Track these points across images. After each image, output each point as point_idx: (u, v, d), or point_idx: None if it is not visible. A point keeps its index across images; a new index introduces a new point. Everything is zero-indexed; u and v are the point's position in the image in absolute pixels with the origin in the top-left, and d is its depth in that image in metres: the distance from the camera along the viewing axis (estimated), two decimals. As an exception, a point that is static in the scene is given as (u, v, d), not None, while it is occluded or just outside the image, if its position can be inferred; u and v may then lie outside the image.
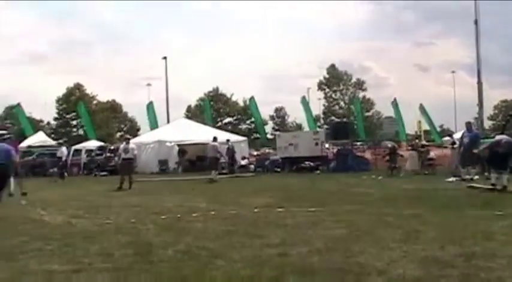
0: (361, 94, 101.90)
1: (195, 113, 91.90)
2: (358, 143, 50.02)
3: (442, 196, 16.25)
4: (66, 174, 35.07)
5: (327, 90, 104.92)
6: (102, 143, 51.50)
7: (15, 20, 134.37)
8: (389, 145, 31.83)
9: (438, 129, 62.70)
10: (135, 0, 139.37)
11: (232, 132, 54.43)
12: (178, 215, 13.04)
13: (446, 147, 31.28)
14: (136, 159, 26.10)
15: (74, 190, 22.55)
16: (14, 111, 70.39)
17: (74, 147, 48.35)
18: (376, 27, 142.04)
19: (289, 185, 23.49)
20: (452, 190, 18.15)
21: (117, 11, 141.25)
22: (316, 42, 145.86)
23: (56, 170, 36.57)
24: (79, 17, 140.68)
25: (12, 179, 15.71)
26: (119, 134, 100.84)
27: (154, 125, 55.94)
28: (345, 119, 77.65)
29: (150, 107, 58.73)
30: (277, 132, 69.77)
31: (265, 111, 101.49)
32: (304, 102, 61.16)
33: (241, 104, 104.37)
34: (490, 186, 17.16)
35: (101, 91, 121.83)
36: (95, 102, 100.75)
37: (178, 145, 40.62)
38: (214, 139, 30.53)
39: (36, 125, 79.56)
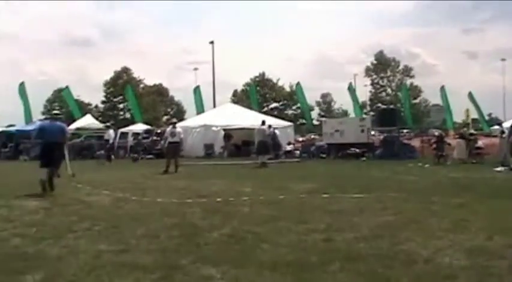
0: (408, 81, 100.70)
1: (241, 98, 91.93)
2: (405, 131, 49.49)
3: (490, 185, 16.01)
4: (113, 156, 35.44)
5: (374, 76, 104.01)
6: (148, 127, 51.87)
7: (65, 3, 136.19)
8: (437, 133, 31.47)
9: (486, 117, 61.76)
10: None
11: (278, 117, 54.30)
12: (224, 199, 13.10)
13: (495, 136, 30.83)
14: (183, 143, 26.16)
15: (120, 172, 22.78)
16: (62, 94, 71.25)
17: (120, 130, 48.86)
18: (424, 13, 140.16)
19: (335, 171, 23.39)
20: (500, 179, 17.92)
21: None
22: (363, 28, 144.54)
23: (103, 153, 37.02)
24: (128, 2, 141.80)
25: (67, 159, 15.99)
26: (165, 117, 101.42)
27: (200, 109, 56.19)
28: (391, 106, 76.93)
29: (196, 91, 58.99)
30: (323, 118, 69.53)
31: (312, 97, 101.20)
32: (351, 89, 60.87)
33: (288, 89, 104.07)
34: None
35: (148, 75, 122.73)
36: (141, 86, 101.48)
37: (224, 130, 40.71)
38: (263, 123, 30.39)
39: (84, 108, 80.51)
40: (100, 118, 79.28)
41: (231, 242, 7.92)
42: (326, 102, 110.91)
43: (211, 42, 62.05)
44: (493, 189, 14.85)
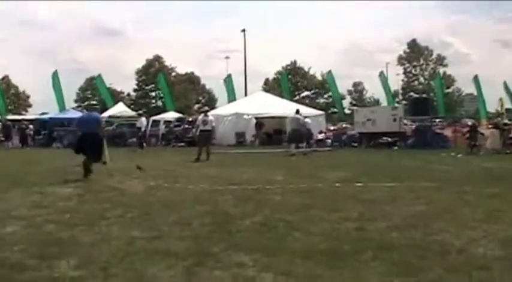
0: (441, 70, 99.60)
1: (272, 86, 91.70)
2: (437, 120, 49.06)
3: (524, 176, 15.86)
4: (145, 144, 35.63)
5: (407, 65, 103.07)
6: (180, 115, 52.06)
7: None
8: (470, 123, 31.24)
9: (520, 107, 60.93)
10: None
11: (309, 106, 54.16)
12: (256, 187, 13.11)
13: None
14: (215, 131, 26.20)
15: (152, 160, 22.89)
16: (94, 83, 71.72)
17: (152, 118, 49.11)
18: (456, 2, 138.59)
19: (367, 160, 23.31)
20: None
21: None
22: (395, 16, 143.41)
23: (135, 140, 37.26)
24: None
25: (106, 148, 16.23)
26: (196, 106, 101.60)
27: (232, 97, 56.21)
28: (424, 95, 76.27)
29: (228, 79, 59.01)
30: (355, 107, 69.20)
31: (343, 85, 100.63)
32: (383, 77, 60.41)
33: (319, 78, 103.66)
34: None
35: (179, 63, 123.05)
36: (173, 74, 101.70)
37: (256, 118, 40.71)
38: (297, 112, 30.27)
39: (116, 96, 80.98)
40: (132, 106, 79.72)
41: (263, 230, 7.93)
42: (358, 91, 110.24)
43: (243, 31, 62.11)
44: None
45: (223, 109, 46.79)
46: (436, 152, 27.85)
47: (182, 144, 39.59)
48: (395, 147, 33.42)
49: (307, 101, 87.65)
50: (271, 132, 42.30)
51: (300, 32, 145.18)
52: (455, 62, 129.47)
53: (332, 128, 50.39)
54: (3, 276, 5.59)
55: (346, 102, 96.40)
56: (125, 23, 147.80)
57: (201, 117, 25.10)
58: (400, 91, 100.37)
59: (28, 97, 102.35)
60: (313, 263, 6.05)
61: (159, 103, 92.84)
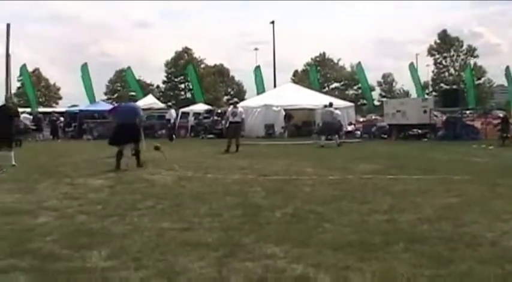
0: (472, 61, 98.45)
1: (301, 78, 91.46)
2: (468, 112, 48.62)
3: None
4: (174, 136, 35.75)
5: (437, 56, 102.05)
6: (209, 107, 52.14)
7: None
8: (501, 114, 30.90)
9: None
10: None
11: (339, 97, 53.97)
12: (286, 179, 13.15)
13: None
14: (244, 123, 26.19)
15: (182, 152, 22.96)
16: (124, 75, 72.04)
17: (181, 110, 49.25)
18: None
19: (397, 152, 23.17)
20: None
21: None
22: (424, 7, 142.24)
23: (164, 132, 37.38)
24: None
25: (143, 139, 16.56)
26: (225, 97, 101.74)
27: (261, 89, 56.17)
28: (454, 87, 75.59)
29: (257, 71, 58.96)
30: (385, 99, 68.79)
31: (373, 77, 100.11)
32: (412, 69, 59.98)
33: (349, 69, 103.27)
34: None
35: (208, 55, 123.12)
36: (202, 66, 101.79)
37: (285, 110, 40.63)
38: (330, 105, 30.24)
39: (145, 88, 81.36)
40: (161, 98, 79.92)
41: (293, 222, 7.94)
42: (387, 82, 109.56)
43: (272, 22, 61.90)
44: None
45: (253, 101, 46.70)
46: (467, 144, 27.63)
47: (211, 136, 39.68)
48: (425, 139, 33.21)
49: (336, 93, 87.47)
50: (300, 124, 42.20)
51: (329, 24, 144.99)
52: (486, 53, 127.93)
53: (361, 119, 50.23)
54: (36, 267, 5.65)
55: (375, 94, 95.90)
56: (154, 15, 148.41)
57: (230, 109, 25.13)
58: (430, 82, 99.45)
59: (58, 89, 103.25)
60: (343, 254, 6.05)
61: (188, 95, 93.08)
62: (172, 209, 9.07)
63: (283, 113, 40.51)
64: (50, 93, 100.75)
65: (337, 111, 30.81)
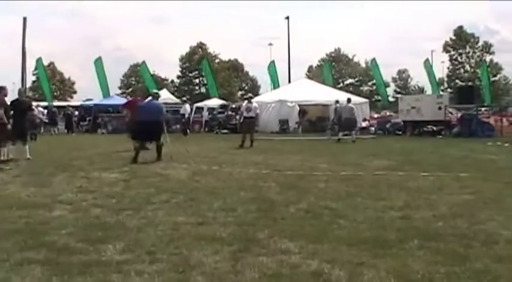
0: (488, 58, 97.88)
1: (316, 74, 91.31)
2: (483, 109, 48.38)
3: None
4: (188, 131, 35.80)
5: (453, 52, 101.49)
6: (223, 102, 52.17)
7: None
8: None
9: None
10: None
11: (353, 93, 53.83)
12: (300, 174, 13.15)
13: None
14: (259, 118, 26.17)
15: (196, 147, 22.99)
16: (138, 69, 72.10)
17: (196, 105, 49.31)
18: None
19: (411, 148, 23.09)
20: None
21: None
22: (440, 3, 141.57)
23: (178, 127, 37.46)
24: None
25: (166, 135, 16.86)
26: (240, 93, 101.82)
27: (275, 84, 56.14)
28: (470, 83, 75.25)
29: (271, 66, 58.91)
30: (399, 95, 68.57)
31: (388, 73, 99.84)
32: (427, 65, 59.71)
33: (363, 65, 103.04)
34: None
35: (223, 50, 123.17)
36: (217, 61, 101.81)
37: (299, 105, 40.59)
38: (349, 100, 30.35)
39: (160, 83, 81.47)
40: (175, 93, 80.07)
41: (307, 217, 7.94)
42: (402, 78, 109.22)
43: (287, 18, 61.74)
44: None
45: (267, 96, 46.67)
46: (482, 141, 27.47)
47: (225, 131, 39.76)
48: (440, 136, 33.08)
49: (351, 89, 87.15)
50: (314, 120, 42.12)
51: (344, 19, 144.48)
52: (502, 50, 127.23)
53: (376, 115, 50.10)
54: (51, 260, 5.67)
55: (390, 90, 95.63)
56: (169, 10, 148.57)
57: (244, 104, 25.17)
58: (445, 79, 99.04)
59: (73, 84, 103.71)
60: (358, 250, 6.04)
61: (203, 90, 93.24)
62: (186, 203, 9.09)
63: (298, 108, 40.47)
64: (65, 87, 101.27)
65: (339, 105, 30.96)
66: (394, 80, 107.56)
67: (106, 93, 50.62)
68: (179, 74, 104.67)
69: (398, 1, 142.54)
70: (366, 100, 46.68)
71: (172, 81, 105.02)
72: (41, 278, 5.12)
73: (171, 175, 13.04)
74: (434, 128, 34.39)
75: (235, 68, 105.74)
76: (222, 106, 47.67)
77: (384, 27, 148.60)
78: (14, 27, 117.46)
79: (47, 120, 38.76)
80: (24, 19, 43.94)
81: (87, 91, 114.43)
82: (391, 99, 75.89)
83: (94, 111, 45.44)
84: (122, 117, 32.09)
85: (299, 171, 13.73)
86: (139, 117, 17.36)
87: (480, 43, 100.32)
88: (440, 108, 35.22)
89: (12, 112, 15.98)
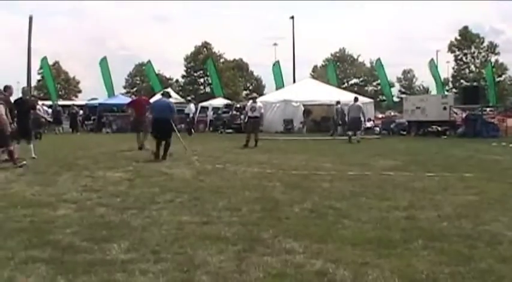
0: (493, 58, 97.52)
1: (321, 73, 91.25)
2: (488, 109, 48.29)
3: None
4: (193, 130, 35.82)
5: (458, 52, 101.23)
6: (228, 101, 52.17)
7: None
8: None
9: None
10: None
11: (358, 93, 53.74)
12: (304, 174, 13.14)
13: None
14: (263, 117, 26.16)
15: (201, 146, 22.99)
16: (143, 69, 72.10)
17: (200, 105, 49.33)
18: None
19: (416, 148, 23.07)
20: None
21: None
22: (446, 3, 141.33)
23: (183, 126, 37.49)
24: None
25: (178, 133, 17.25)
26: (244, 92, 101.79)
27: (280, 84, 56.12)
28: (475, 83, 75.12)
29: (276, 66, 58.89)
30: (404, 95, 68.44)
31: (393, 72, 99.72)
32: (432, 65, 59.60)
33: (368, 65, 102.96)
34: None
35: (227, 50, 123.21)
36: (221, 60, 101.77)
37: (304, 105, 40.58)
38: (356, 99, 30.32)
39: (164, 82, 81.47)
40: (180, 92, 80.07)
41: (312, 217, 7.95)
42: (407, 78, 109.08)
43: (292, 18, 61.71)
44: None
45: (272, 96, 46.70)
46: (487, 141, 27.44)
47: (230, 130, 39.75)
48: (445, 136, 33.04)
49: (355, 89, 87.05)
50: (319, 120, 42.09)
51: (349, 20, 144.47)
52: (508, 50, 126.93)
53: (380, 116, 50.04)
54: (55, 258, 5.69)
55: (394, 90, 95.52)
56: (173, 9, 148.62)
57: (249, 103, 25.14)
58: (450, 79, 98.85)
59: (78, 83, 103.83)
60: (363, 250, 6.05)
61: (208, 89, 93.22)
62: (191, 202, 9.10)
63: (302, 108, 40.47)
64: (70, 87, 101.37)
65: (339, 106, 30.99)
66: (398, 80, 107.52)
67: (111, 93, 50.66)
68: (184, 73, 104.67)
69: (403, 1, 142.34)
70: (371, 100, 46.67)
71: (177, 81, 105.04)
72: (45, 276, 5.14)
73: (176, 174, 13.06)
74: (439, 128, 34.34)
75: (240, 67, 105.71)
76: (227, 106, 47.69)
77: (389, 27, 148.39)
78: (18, 26, 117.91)
79: (51, 119, 38.78)
80: (30, 18, 44.03)
81: (92, 90, 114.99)
82: (395, 99, 75.75)
83: (99, 111, 45.43)
84: (126, 116, 32.13)
85: (304, 171, 13.73)
86: (153, 115, 17.99)
87: (485, 43, 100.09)
88: (445, 108, 35.17)
89: (16, 111, 15.99)
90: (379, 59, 59.39)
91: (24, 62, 46.04)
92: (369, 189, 10.63)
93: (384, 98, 71.10)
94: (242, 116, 31.59)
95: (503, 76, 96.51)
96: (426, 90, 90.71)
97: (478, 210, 8.46)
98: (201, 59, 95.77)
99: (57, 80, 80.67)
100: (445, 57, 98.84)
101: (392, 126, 39.34)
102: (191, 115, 38.57)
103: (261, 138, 24.26)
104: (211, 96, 60.68)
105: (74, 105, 48.55)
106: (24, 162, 14.58)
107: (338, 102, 35.54)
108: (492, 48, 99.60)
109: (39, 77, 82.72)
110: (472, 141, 27.86)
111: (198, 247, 6.13)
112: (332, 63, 72.55)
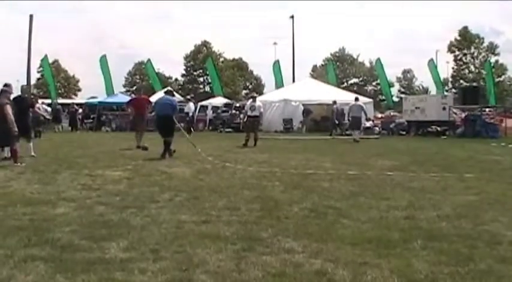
0: (493, 59, 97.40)
1: (320, 73, 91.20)
2: (487, 109, 48.28)
3: None
4: (192, 129, 35.81)
5: (457, 53, 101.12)
6: (228, 100, 52.18)
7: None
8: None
9: None
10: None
11: (357, 93, 53.76)
12: (304, 173, 13.14)
13: None
14: (262, 117, 26.16)
15: (200, 145, 22.95)
16: (143, 67, 72.00)
17: (200, 104, 49.33)
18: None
19: (415, 148, 23.07)
20: None
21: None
22: (446, 3, 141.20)
23: (182, 125, 37.43)
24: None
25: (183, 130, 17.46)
26: (244, 91, 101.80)
27: (280, 83, 56.13)
28: (474, 84, 75.10)
29: (276, 65, 58.90)
30: (403, 95, 68.41)
31: (393, 72, 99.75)
32: (432, 65, 59.58)
33: (368, 65, 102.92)
34: None
35: (227, 49, 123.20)
36: (221, 59, 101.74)
37: (303, 105, 40.59)
38: (357, 99, 30.41)
39: (164, 81, 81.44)
40: (180, 91, 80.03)
41: (311, 217, 7.94)
42: (407, 78, 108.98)
43: (292, 17, 61.73)
44: None
45: (271, 95, 46.75)
46: (486, 141, 27.48)
47: (229, 129, 39.77)
48: (444, 136, 33.06)
49: (355, 88, 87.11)
50: (318, 119, 42.10)
51: (349, 19, 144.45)
52: (508, 50, 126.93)
53: (380, 115, 50.04)
54: (54, 257, 5.68)
55: (394, 90, 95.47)
56: (174, 8, 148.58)
57: (249, 102, 25.17)
58: (450, 79, 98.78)
59: (78, 81, 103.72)
60: (362, 250, 6.05)
61: (207, 88, 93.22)
62: (190, 201, 9.10)
63: (302, 107, 40.50)
64: (69, 85, 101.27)
65: (336, 106, 31.08)
66: (398, 80, 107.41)
67: (110, 91, 50.67)
68: (184, 72, 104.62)
69: (403, 1, 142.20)
70: (370, 100, 46.68)
71: (176, 80, 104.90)
72: (44, 275, 5.13)
73: (175, 173, 13.05)
74: (439, 129, 34.40)
75: (239, 66, 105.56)
76: (226, 105, 47.73)
77: (389, 27, 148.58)
78: (18, 24, 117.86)
79: (50, 118, 38.77)
80: (31, 17, 43.88)
81: (91, 89, 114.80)
82: (395, 99, 75.73)
83: (98, 109, 45.44)
84: (126, 115, 32.14)
85: (303, 171, 13.73)
86: (156, 112, 18.50)
87: (485, 44, 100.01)
88: (444, 108, 35.26)
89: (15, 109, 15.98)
90: (378, 59, 59.41)
91: (24, 60, 45.95)
92: (369, 189, 10.64)
93: (384, 97, 71.11)
94: (241, 115, 31.56)
95: (503, 77, 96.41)
96: (426, 91, 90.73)
97: (478, 210, 8.47)
98: (201, 58, 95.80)
99: (56, 78, 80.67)
100: (445, 58, 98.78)
101: (391, 126, 39.38)
102: (190, 114, 38.54)
103: (261, 138, 24.29)
104: (211, 95, 60.77)
105: (73, 103, 48.54)
106: (24, 164, 14.57)
107: (335, 102, 35.60)
108: (492, 48, 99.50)
109: (38, 76, 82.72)
110: (471, 141, 27.91)
111: (197, 246, 6.13)
112: (332, 63, 72.58)
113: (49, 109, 39.64)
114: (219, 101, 50.86)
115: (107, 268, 5.31)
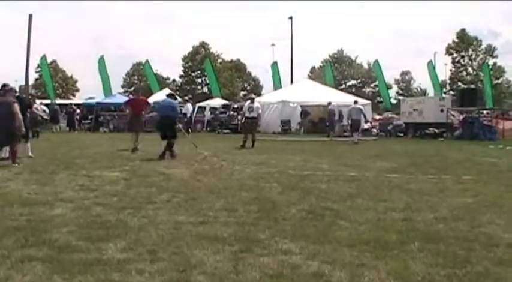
0: (491, 61, 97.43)
1: (318, 75, 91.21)
2: (485, 112, 48.32)
3: None
4: (190, 130, 35.82)
5: (455, 55, 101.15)
6: (226, 101, 52.19)
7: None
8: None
9: None
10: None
11: (355, 95, 53.76)
12: (301, 175, 13.15)
13: None
14: (260, 118, 26.17)
15: (198, 146, 22.99)
16: (141, 68, 71.95)
17: (198, 105, 49.33)
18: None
19: (413, 150, 23.09)
20: None
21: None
22: (444, 6, 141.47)
23: (180, 126, 37.44)
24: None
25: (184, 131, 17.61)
26: (242, 93, 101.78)
27: (278, 85, 56.14)
28: (472, 86, 75.14)
29: (274, 67, 58.91)
30: (402, 97, 68.42)
31: (391, 74, 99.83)
32: (430, 67, 59.59)
33: (366, 66, 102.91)
34: None
35: (225, 50, 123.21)
36: (219, 61, 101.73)
37: (301, 106, 40.60)
38: (356, 102, 30.55)
39: (162, 82, 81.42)
40: (178, 92, 80.00)
41: (308, 218, 7.95)
42: (405, 80, 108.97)
43: (290, 18, 61.70)
44: None
45: (269, 96, 46.71)
46: (484, 143, 27.54)
47: (227, 131, 39.73)
48: (442, 139, 33.09)
49: (353, 90, 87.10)
50: (316, 121, 42.10)
51: (347, 20, 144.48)
52: (505, 53, 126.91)
53: (378, 117, 50.05)
54: (52, 258, 5.68)
55: (392, 92, 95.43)
56: (172, 9, 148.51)
57: (247, 104, 25.19)
58: (448, 81, 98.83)
59: (76, 82, 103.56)
60: (359, 252, 6.05)
61: (205, 89, 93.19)
62: (187, 202, 9.10)
63: (300, 109, 40.50)
64: (67, 85, 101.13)
65: (332, 107, 31.17)
66: (396, 81, 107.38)
67: (108, 92, 50.65)
68: (182, 73, 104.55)
69: (402, 2, 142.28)
70: (368, 102, 46.63)
71: (174, 81, 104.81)
72: (41, 276, 5.12)
73: (173, 174, 13.06)
74: (436, 131, 34.46)
75: (237, 68, 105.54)
76: (224, 106, 47.74)
77: (387, 29, 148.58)
78: (16, 24, 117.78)
79: (48, 118, 38.74)
80: (30, 16, 43.78)
81: (89, 89, 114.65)
82: (393, 101, 75.73)
83: (96, 110, 45.37)
84: (124, 115, 32.11)
85: (301, 172, 13.75)
86: (159, 114, 19.15)
87: (483, 46, 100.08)
88: (442, 110, 35.34)
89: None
90: (376, 61, 59.44)
91: (22, 60, 45.85)
92: (366, 191, 10.66)
93: (382, 99, 71.15)
94: (239, 117, 31.56)
95: (501, 79, 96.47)
96: (424, 93, 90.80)
97: (475, 212, 8.49)
98: (199, 59, 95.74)
99: (54, 78, 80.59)
100: (443, 60, 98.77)
101: (389, 128, 39.41)
102: (188, 115, 38.56)
103: (258, 139, 24.31)
104: (209, 96, 60.75)
105: (71, 104, 48.48)
106: (21, 164, 14.56)
107: (329, 103, 35.66)
108: (490, 51, 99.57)
109: (36, 76, 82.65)
110: (469, 143, 27.95)
111: (195, 247, 6.13)
112: (330, 65, 72.63)
113: (47, 109, 39.63)
114: (217, 102, 50.89)
115: (104, 269, 5.32)
